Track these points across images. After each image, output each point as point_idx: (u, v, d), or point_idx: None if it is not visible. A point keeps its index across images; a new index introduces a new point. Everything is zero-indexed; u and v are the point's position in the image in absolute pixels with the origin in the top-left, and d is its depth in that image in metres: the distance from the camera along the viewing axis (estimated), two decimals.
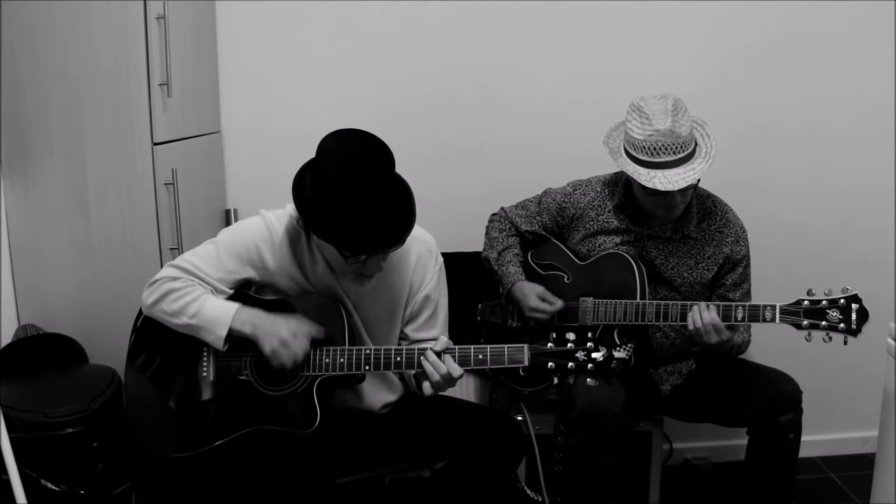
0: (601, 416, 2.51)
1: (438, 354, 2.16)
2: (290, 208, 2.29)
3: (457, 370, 2.16)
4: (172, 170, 2.58)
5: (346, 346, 2.21)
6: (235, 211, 3.15)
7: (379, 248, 2.12)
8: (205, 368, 2.26)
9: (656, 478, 2.98)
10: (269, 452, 2.25)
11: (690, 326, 2.49)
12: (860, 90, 3.33)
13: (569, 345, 2.14)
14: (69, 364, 2.55)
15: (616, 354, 2.13)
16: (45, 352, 2.52)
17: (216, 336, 2.17)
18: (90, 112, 2.49)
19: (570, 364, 2.14)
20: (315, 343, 2.19)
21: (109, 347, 2.56)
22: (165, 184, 2.57)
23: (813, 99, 3.33)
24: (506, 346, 2.17)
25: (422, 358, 2.17)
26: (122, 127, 2.50)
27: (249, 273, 2.26)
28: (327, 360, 2.19)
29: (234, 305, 2.19)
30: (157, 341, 2.27)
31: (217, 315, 2.17)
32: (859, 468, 3.43)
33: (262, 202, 3.10)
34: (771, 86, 3.31)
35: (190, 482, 2.38)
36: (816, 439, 3.43)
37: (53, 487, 2.29)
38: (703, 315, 2.46)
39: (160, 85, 2.51)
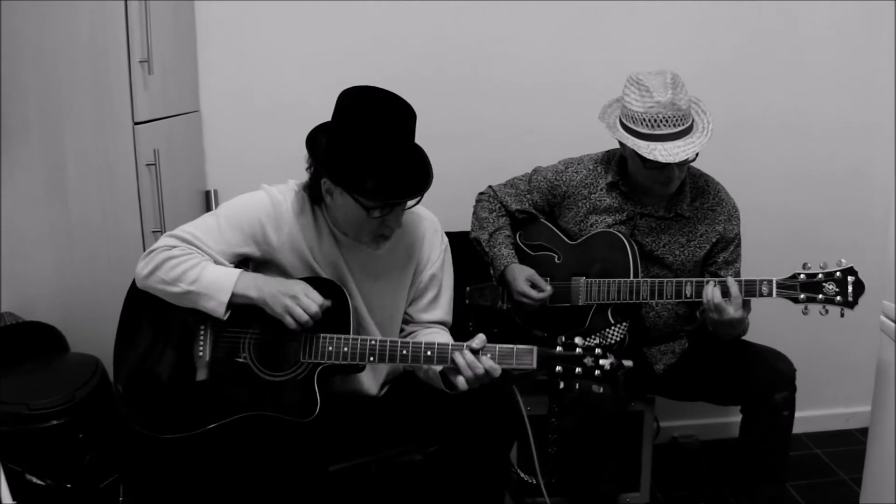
0: (599, 397, 2.47)
1: (476, 352, 2.09)
2: (292, 183, 2.26)
3: (496, 369, 2.09)
4: (154, 150, 2.50)
5: (351, 335, 2.14)
6: (216, 192, 3.07)
7: (401, 195, 2.08)
8: (201, 347, 2.18)
9: (647, 457, 2.96)
10: (263, 438, 2.18)
11: (709, 297, 2.46)
12: (848, 76, 3.37)
13: (577, 350, 2.08)
14: (50, 353, 2.46)
15: (624, 363, 2.08)
16: (24, 341, 2.43)
17: (217, 302, 2.09)
18: (68, 91, 2.40)
19: (577, 369, 2.08)
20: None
21: (91, 335, 2.49)
22: (147, 164, 2.49)
23: (801, 85, 3.36)
24: (515, 346, 2.11)
25: (456, 354, 2.09)
26: (102, 106, 2.41)
27: (251, 248, 2.19)
28: (330, 349, 2.12)
29: (237, 270, 2.12)
30: (152, 314, 2.20)
31: (219, 280, 2.09)
32: (844, 444, 3.47)
33: (243, 182, 3.02)
34: (759, 70, 3.32)
35: (180, 469, 2.32)
36: (801, 416, 3.41)
37: (39, 482, 2.21)
38: (716, 292, 2.44)
39: (141, 62, 2.43)
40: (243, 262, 2.22)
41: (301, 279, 2.19)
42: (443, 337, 2.34)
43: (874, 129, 3.39)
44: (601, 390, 2.13)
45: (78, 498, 2.27)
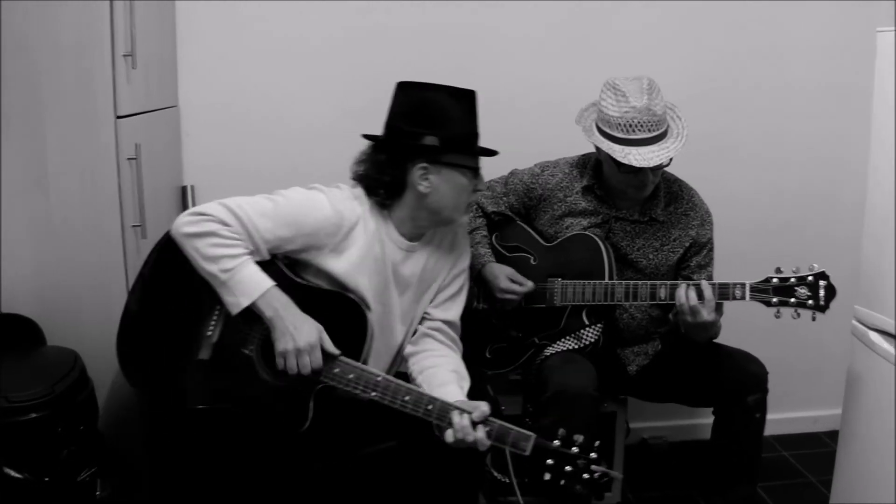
0: (575, 397, 2.50)
1: (475, 425, 2.09)
2: (346, 189, 2.26)
3: (485, 444, 2.10)
4: (136, 144, 2.48)
5: (360, 365, 2.12)
6: (192, 188, 3.06)
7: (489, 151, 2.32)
8: (211, 327, 2.15)
9: (620, 458, 2.99)
10: (249, 433, 2.17)
11: (682, 300, 2.48)
12: (823, 83, 3.44)
13: (573, 448, 2.09)
14: (28, 346, 2.44)
15: (612, 474, 2.10)
16: (1, 333, 2.40)
17: (235, 301, 2.08)
18: (50, 84, 2.38)
19: (567, 467, 2.09)
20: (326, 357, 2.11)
21: (69, 328, 2.48)
22: (128, 159, 2.47)
23: (778, 95, 3.44)
24: (514, 429, 2.10)
25: (455, 414, 2.09)
26: (85, 99, 2.40)
27: (296, 246, 2.17)
28: (337, 370, 2.11)
29: (269, 283, 2.09)
30: (177, 273, 2.15)
31: (248, 285, 2.07)
32: (812, 447, 3.52)
33: (219, 178, 3.04)
34: (741, 78, 3.39)
35: (165, 448, 2.32)
36: (768, 418, 3.46)
37: (16, 475, 2.18)
38: (690, 294, 2.48)
39: (124, 56, 2.41)
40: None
41: (326, 290, 2.19)
42: (452, 362, 2.36)
43: (849, 136, 3.43)
44: (582, 490, 2.10)
45: (56, 491, 2.25)
